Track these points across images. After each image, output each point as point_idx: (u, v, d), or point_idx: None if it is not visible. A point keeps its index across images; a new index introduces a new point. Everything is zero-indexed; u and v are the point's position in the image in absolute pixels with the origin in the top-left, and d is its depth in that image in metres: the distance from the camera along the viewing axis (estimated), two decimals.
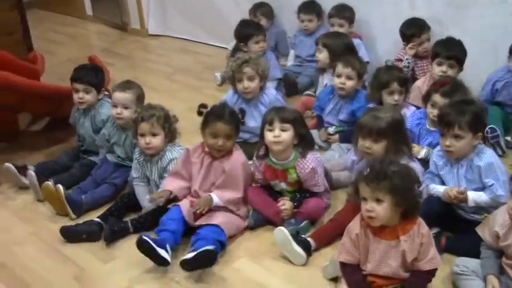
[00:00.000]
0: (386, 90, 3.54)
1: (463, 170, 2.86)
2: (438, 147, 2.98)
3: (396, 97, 3.53)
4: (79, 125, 3.79)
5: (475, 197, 2.80)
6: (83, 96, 3.64)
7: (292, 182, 3.12)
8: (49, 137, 4.30)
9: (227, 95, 3.94)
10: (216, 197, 3.01)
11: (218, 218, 2.97)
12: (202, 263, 2.73)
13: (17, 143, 4.20)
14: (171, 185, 3.09)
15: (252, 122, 3.75)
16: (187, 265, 2.73)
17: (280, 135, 3.00)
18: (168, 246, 2.81)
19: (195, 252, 2.71)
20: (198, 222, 2.97)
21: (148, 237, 2.76)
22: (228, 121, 3.03)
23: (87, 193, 3.39)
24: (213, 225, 2.93)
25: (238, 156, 3.10)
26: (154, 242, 2.75)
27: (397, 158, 2.61)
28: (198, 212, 2.95)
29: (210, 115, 3.09)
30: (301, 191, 3.12)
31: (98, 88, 3.68)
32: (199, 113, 3.23)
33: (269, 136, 3.03)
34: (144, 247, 2.75)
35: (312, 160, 3.05)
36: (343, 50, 4.02)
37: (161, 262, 2.79)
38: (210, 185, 3.09)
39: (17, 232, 3.26)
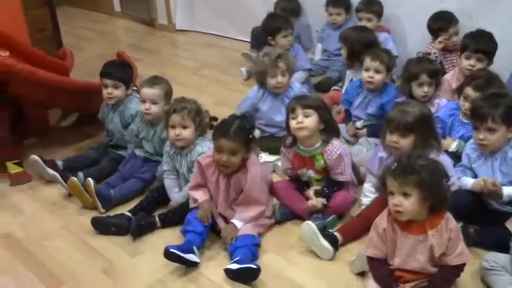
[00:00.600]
0: (416, 82, 3.49)
1: (498, 163, 2.83)
2: (472, 140, 2.94)
3: (425, 89, 3.49)
4: (108, 120, 3.83)
5: (510, 192, 2.77)
6: (112, 91, 3.67)
7: (320, 169, 3.11)
8: (78, 132, 4.35)
9: (251, 91, 3.91)
10: (239, 222, 2.98)
11: (248, 226, 2.98)
12: (246, 277, 2.72)
13: (48, 139, 4.25)
14: (203, 195, 3.05)
15: (279, 116, 3.73)
16: (231, 274, 2.73)
17: (303, 121, 3.00)
18: (195, 248, 2.84)
19: (241, 266, 2.70)
20: None
21: (174, 247, 2.77)
22: (232, 138, 2.89)
23: (116, 188, 3.43)
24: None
25: (255, 171, 2.98)
26: (180, 251, 2.77)
27: (425, 153, 2.58)
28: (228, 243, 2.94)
29: (217, 130, 3.02)
30: (328, 185, 3.10)
31: (127, 83, 3.72)
32: (211, 127, 3.20)
33: (293, 123, 3.03)
34: (171, 258, 2.77)
35: (339, 146, 3.05)
36: (362, 46, 3.95)
37: (191, 265, 2.82)
38: (232, 201, 3.05)
39: (46, 225, 3.30)
